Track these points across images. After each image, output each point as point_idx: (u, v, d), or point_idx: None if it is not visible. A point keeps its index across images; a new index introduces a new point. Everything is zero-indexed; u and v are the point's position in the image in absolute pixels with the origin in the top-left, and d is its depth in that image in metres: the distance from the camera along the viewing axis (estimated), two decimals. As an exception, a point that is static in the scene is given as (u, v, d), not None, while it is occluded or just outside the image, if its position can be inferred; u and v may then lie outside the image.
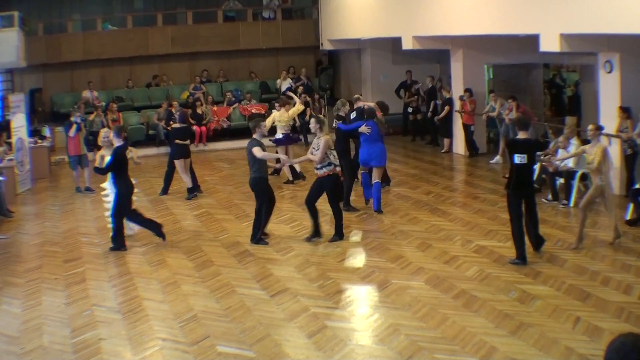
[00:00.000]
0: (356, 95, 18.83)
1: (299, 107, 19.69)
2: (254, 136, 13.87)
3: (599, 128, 13.27)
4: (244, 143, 20.30)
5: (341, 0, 27.06)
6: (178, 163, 17.85)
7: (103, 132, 15.76)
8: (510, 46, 20.74)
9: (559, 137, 16.30)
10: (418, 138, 25.59)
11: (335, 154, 13.79)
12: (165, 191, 18.55)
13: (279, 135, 19.23)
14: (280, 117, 19.10)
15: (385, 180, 17.49)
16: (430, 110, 24.41)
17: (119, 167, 13.65)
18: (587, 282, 11.07)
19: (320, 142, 13.60)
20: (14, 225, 16.26)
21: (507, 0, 16.87)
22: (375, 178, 15.65)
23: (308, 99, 26.10)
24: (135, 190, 14.47)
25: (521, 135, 12.11)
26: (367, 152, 15.66)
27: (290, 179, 19.20)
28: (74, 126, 18.74)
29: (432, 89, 24.95)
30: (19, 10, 24.21)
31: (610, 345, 4.29)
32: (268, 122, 18.72)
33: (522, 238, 12.04)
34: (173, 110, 22.31)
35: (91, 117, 23.46)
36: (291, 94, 21.75)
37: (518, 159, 11.82)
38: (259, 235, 13.86)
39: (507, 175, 18.18)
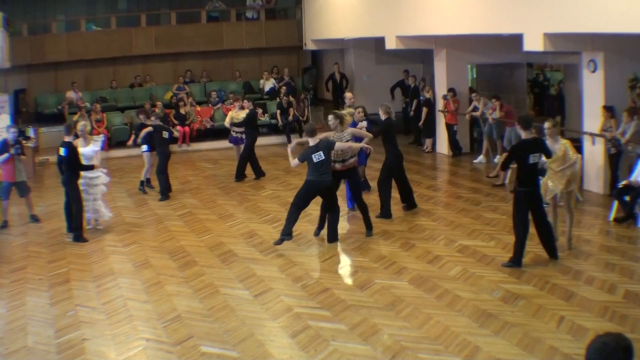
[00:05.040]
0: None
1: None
2: (317, 140, 13.50)
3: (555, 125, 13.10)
4: (227, 143, 20.50)
5: (325, 0, 27.05)
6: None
7: (80, 124, 15.64)
8: (494, 46, 20.76)
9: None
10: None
11: None
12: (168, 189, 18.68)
13: (231, 135, 20.14)
14: (237, 116, 19.81)
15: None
16: (413, 109, 24.41)
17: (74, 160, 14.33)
18: (571, 282, 11.10)
19: (344, 135, 13.96)
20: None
21: (490, 0, 16.91)
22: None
23: (292, 99, 26.09)
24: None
25: (525, 135, 11.84)
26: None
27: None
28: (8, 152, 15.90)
29: (415, 87, 24.94)
30: (3, 11, 24.10)
31: (591, 345, 4.32)
32: (226, 121, 20.25)
33: (524, 245, 11.91)
34: (157, 110, 22.32)
35: (75, 117, 23.40)
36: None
37: (533, 158, 11.57)
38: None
39: (490, 175, 18.47)
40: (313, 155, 13.24)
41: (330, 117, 14.37)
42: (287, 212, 13.61)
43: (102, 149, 14.73)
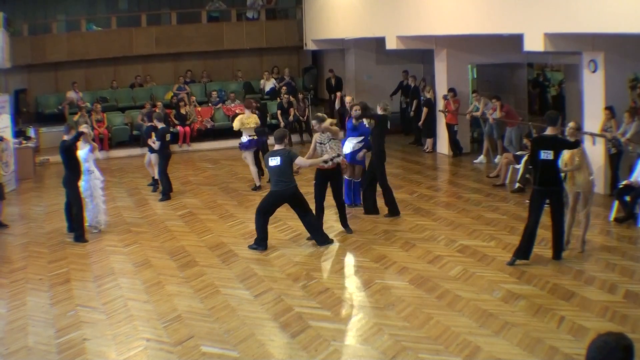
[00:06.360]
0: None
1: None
2: (282, 146, 13.57)
3: (579, 128, 13.10)
4: (227, 143, 20.35)
5: (325, 0, 27.06)
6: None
7: (84, 127, 15.63)
8: (494, 46, 20.75)
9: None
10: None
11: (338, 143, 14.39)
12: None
13: (244, 139, 18.66)
14: (247, 120, 18.72)
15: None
16: (413, 109, 24.41)
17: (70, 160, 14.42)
18: (571, 281, 11.09)
19: (326, 135, 14.17)
20: (-3, 225, 16.21)
21: (490, 0, 16.91)
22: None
23: (292, 99, 26.08)
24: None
25: (549, 131, 11.91)
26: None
27: (258, 184, 18.80)
28: None
29: (415, 88, 24.95)
30: (4, 11, 24.11)
31: (592, 344, 4.34)
32: (235, 125, 18.80)
33: (531, 238, 11.89)
34: (157, 110, 22.31)
35: (75, 117, 23.42)
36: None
37: (544, 155, 11.54)
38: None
39: (491, 175, 18.49)
40: (270, 159, 13.35)
41: (313, 121, 14.64)
42: (255, 220, 13.74)
43: (91, 151, 14.80)
